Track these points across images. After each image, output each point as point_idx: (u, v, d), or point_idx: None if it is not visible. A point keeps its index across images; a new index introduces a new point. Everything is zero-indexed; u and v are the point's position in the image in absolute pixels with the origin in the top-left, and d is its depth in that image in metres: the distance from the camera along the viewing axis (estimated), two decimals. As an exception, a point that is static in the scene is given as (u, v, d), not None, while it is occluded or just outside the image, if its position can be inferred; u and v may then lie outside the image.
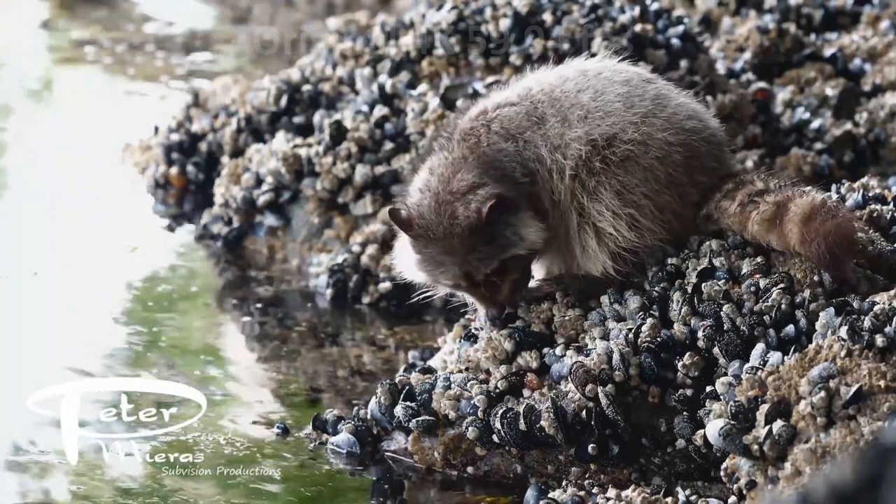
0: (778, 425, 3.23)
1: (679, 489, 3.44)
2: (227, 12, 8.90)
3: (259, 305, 4.98)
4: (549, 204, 3.64)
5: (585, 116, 3.63)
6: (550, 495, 3.45)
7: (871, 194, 3.92)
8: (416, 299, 3.88)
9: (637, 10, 5.36)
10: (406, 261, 3.71)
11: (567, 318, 3.69)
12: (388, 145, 5.15)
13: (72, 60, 8.10)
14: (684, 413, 3.48)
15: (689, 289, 3.57)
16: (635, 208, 3.60)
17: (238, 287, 5.16)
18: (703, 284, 3.57)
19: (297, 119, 5.48)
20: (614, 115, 3.63)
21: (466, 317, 4.07)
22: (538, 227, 3.61)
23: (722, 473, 3.34)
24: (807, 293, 3.50)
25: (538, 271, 3.81)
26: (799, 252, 3.54)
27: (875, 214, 3.80)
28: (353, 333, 4.78)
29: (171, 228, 5.67)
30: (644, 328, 3.54)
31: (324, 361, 4.52)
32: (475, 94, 5.11)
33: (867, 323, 3.31)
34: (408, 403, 3.70)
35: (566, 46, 5.18)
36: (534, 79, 3.78)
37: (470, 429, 3.60)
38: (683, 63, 5.30)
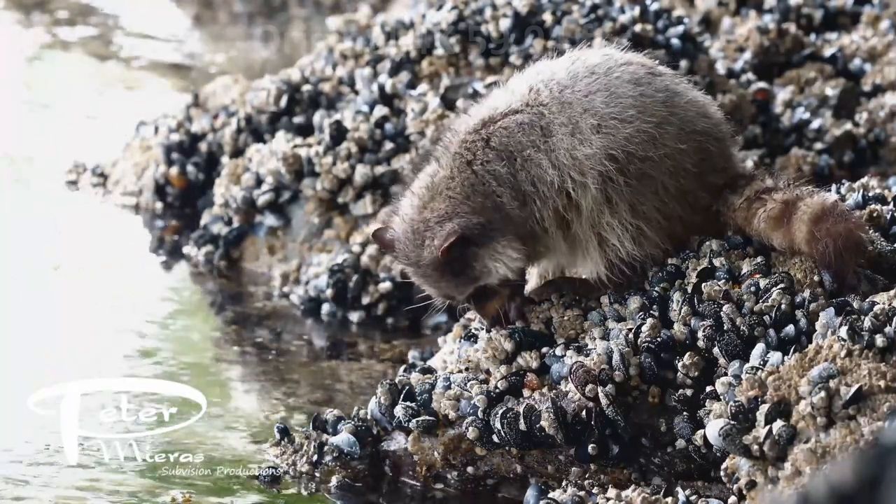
0: (778, 425, 3.23)
1: (679, 489, 3.44)
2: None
3: (256, 319, 4.98)
4: (550, 223, 3.58)
5: (599, 125, 3.55)
6: (550, 495, 3.45)
7: (871, 194, 3.91)
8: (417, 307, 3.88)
9: (637, 10, 5.36)
10: None
11: (566, 318, 3.69)
12: (388, 145, 5.15)
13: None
14: (684, 413, 3.48)
15: (689, 289, 3.57)
16: (644, 220, 3.57)
17: (236, 302, 5.16)
18: (703, 284, 3.56)
19: (297, 119, 5.48)
20: (631, 124, 3.55)
21: (465, 317, 4.08)
22: (514, 257, 3.58)
23: (722, 473, 3.33)
24: (807, 293, 3.50)
25: (533, 276, 3.81)
26: (803, 250, 3.53)
27: (875, 214, 3.80)
28: (351, 349, 4.77)
29: (165, 261, 5.64)
30: (644, 328, 3.53)
31: (322, 377, 4.52)
32: (475, 95, 5.11)
33: (867, 323, 3.31)
34: (408, 403, 3.70)
35: (566, 46, 5.18)
36: (541, 78, 3.66)
37: (470, 429, 3.60)
38: (683, 63, 5.29)
